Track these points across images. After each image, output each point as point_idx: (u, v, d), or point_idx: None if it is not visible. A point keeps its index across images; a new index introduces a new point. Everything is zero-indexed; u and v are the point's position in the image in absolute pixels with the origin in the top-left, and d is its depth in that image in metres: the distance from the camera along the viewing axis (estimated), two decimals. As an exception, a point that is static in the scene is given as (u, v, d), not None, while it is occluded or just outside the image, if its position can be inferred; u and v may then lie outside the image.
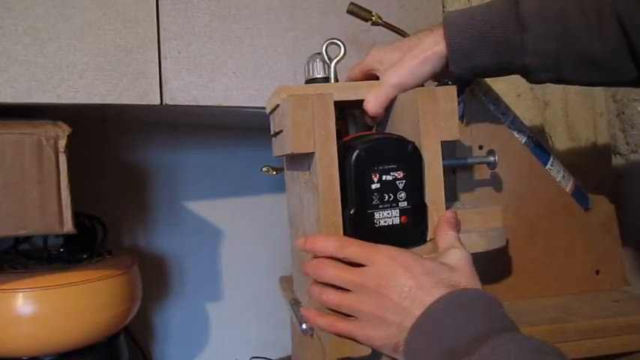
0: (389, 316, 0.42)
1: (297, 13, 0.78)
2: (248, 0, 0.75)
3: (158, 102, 0.69)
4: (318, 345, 0.52)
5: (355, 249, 0.45)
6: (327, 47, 0.59)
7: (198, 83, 0.72)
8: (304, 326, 0.54)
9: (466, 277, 0.44)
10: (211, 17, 0.73)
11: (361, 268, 0.45)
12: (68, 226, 0.62)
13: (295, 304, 0.62)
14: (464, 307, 0.40)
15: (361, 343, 0.46)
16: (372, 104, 0.55)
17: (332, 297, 0.46)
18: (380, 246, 0.45)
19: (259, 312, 1.10)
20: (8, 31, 0.62)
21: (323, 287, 0.47)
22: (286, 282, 0.75)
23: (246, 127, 1.07)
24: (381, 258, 0.44)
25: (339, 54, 0.58)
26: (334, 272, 0.45)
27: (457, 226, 0.49)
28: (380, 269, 0.43)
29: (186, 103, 0.71)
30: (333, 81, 0.58)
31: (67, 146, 0.62)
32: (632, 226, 0.80)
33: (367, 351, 0.47)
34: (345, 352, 0.47)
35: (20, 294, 0.66)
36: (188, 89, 0.71)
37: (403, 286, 0.42)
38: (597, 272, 0.72)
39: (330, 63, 0.59)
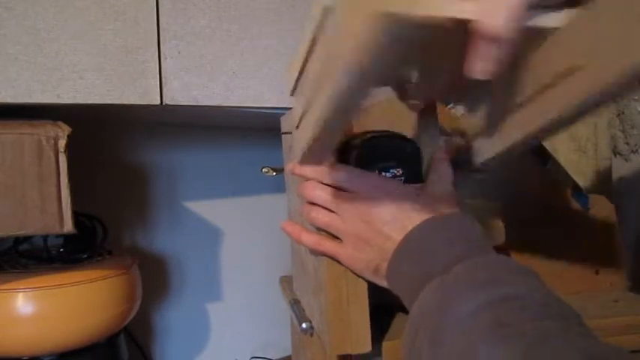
0: (371, 239, 0.44)
1: (297, 13, 0.78)
2: (248, 0, 0.75)
3: (158, 102, 0.69)
4: (318, 344, 0.52)
5: (341, 174, 0.46)
6: None
7: (198, 83, 0.72)
8: (304, 326, 0.54)
9: (448, 205, 0.45)
10: (211, 17, 0.73)
11: (347, 193, 0.46)
12: (68, 226, 0.62)
13: (295, 304, 0.62)
14: (443, 232, 0.41)
15: (342, 264, 0.47)
16: (505, 14, 0.27)
17: (320, 216, 0.47)
18: (366, 173, 0.46)
19: (259, 312, 1.10)
20: (8, 31, 0.62)
21: (313, 206, 0.48)
22: (286, 282, 0.75)
23: (246, 127, 1.07)
24: (366, 185, 0.45)
25: None
26: (320, 193, 0.47)
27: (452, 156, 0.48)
28: (364, 195, 0.45)
29: (186, 103, 0.71)
30: None
31: (67, 146, 0.62)
32: (632, 226, 0.80)
33: (367, 348, 0.47)
34: (345, 350, 0.47)
35: (20, 294, 0.66)
36: (188, 89, 0.71)
37: (385, 212, 0.44)
38: (597, 272, 0.72)
39: None
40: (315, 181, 0.47)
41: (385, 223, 0.43)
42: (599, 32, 0.29)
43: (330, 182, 0.47)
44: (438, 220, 0.42)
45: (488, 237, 0.43)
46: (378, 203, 0.44)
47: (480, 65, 0.29)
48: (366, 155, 0.48)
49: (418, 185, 0.47)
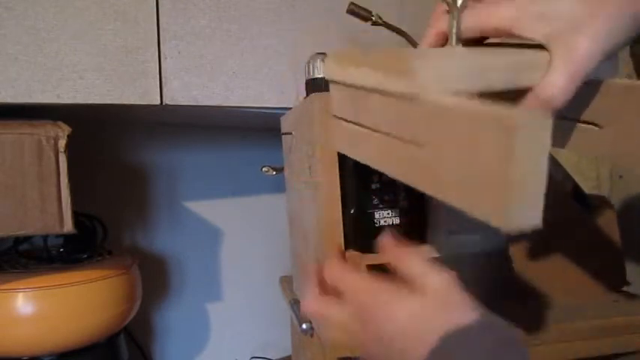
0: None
1: (297, 13, 0.78)
2: (248, 0, 0.75)
3: (158, 102, 0.69)
4: (318, 345, 0.52)
5: (334, 273, 0.40)
6: None
7: (198, 83, 0.72)
8: (304, 326, 0.54)
9: (458, 305, 0.35)
10: (211, 17, 0.73)
11: (343, 303, 0.39)
12: (68, 226, 0.62)
13: (295, 304, 0.62)
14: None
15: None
16: (559, 86, 0.34)
17: (331, 334, 0.41)
18: (353, 274, 0.39)
19: (259, 312, 1.10)
20: (8, 31, 0.62)
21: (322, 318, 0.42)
22: (286, 282, 0.75)
23: (246, 127, 1.07)
24: (355, 289, 0.39)
25: None
26: (315, 308, 0.41)
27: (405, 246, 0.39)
28: (359, 305, 0.38)
29: (186, 103, 0.71)
30: (454, 41, 0.36)
31: (67, 146, 0.62)
32: (632, 225, 0.80)
33: (367, 351, 0.47)
34: (344, 352, 0.47)
35: (20, 294, 0.66)
36: (188, 89, 0.71)
37: (392, 333, 0.36)
38: (597, 272, 0.72)
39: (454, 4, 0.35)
40: (314, 294, 0.41)
41: (395, 344, 0.35)
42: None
43: (328, 280, 0.41)
44: (464, 337, 0.33)
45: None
46: (378, 320, 0.36)
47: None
48: None
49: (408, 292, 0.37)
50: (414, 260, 0.37)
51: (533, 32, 0.35)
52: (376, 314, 0.37)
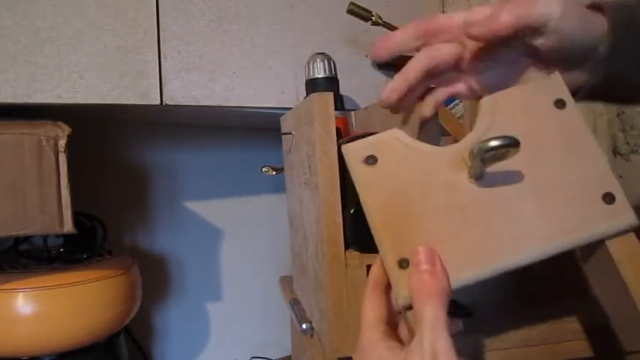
0: None
1: (297, 13, 0.78)
2: (248, 0, 0.75)
3: (158, 102, 0.69)
4: (318, 345, 0.52)
5: None
6: None
7: (198, 83, 0.72)
8: (304, 327, 0.54)
9: None
10: (211, 17, 0.73)
11: None
12: (68, 226, 0.62)
13: (295, 304, 0.62)
14: None
15: None
16: (507, 16, 0.35)
17: None
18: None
19: (259, 312, 1.10)
20: (8, 31, 0.62)
21: None
22: (286, 282, 0.75)
23: (246, 127, 1.07)
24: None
25: None
26: None
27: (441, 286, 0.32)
28: None
29: (186, 103, 0.71)
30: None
31: (67, 146, 0.62)
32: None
33: (367, 351, 0.47)
34: (345, 352, 0.47)
35: (20, 294, 0.66)
36: (188, 89, 0.71)
37: None
38: (597, 272, 0.72)
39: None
40: None
41: None
42: None
43: None
44: None
45: None
46: None
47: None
48: None
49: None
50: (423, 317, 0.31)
51: None
52: None
